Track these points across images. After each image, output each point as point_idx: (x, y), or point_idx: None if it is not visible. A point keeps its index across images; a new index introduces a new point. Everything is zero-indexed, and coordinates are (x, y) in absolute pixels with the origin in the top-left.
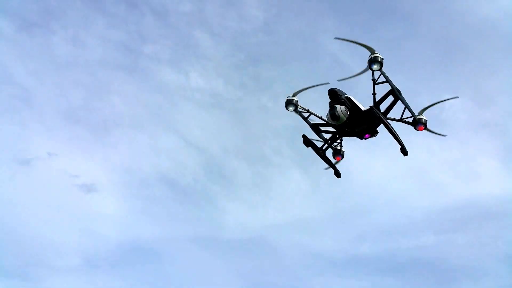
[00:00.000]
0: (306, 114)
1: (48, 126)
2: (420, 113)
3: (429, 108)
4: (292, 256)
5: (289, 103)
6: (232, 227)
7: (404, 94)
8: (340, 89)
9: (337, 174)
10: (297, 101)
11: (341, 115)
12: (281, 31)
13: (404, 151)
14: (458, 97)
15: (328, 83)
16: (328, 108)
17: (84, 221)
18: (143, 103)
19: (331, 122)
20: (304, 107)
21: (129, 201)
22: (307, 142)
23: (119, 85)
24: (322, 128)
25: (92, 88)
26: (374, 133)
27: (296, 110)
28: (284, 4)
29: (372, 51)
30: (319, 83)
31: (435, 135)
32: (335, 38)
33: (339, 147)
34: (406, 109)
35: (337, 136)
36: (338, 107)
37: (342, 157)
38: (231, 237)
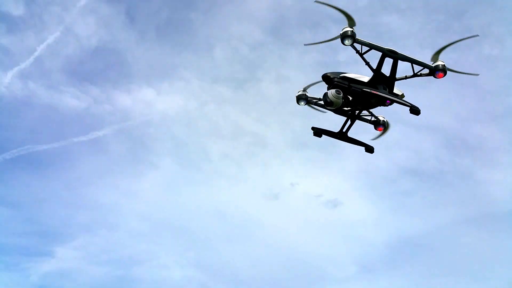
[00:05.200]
0: (320, 102)
1: (284, 160)
2: (435, 58)
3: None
4: None
5: (299, 98)
6: (502, 199)
7: None
8: (336, 70)
9: (369, 150)
10: (306, 94)
11: (333, 99)
12: None
13: (415, 111)
14: (478, 35)
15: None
16: None
17: (344, 232)
18: None
19: (328, 108)
20: (315, 96)
21: (376, 202)
22: (318, 132)
23: None
24: (346, 108)
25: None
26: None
27: (308, 103)
28: None
29: (350, 23)
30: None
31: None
32: (315, 1)
33: (374, 118)
34: (414, 64)
35: (357, 112)
36: (329, 92)
37: (384, 126)
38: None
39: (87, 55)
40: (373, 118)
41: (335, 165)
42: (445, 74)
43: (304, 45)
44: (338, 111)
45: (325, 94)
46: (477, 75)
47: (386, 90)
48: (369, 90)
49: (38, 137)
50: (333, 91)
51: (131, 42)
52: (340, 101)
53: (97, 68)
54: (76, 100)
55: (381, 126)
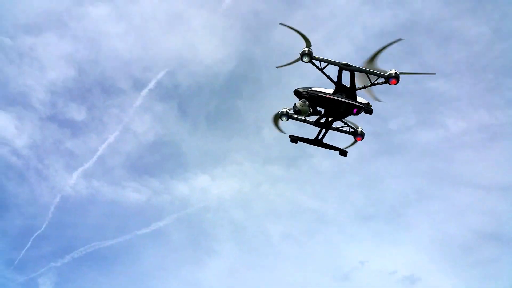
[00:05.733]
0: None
1: (348, 236)
2: (368, 65)
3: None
4: None
5: (281, 115)
6: None
7: None
8: (306, 86)
9: (343, 153)
10: (287, 111)
11: (300, 107)
12: None
13: (368, 111)
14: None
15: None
16: None
17: None
18: None
19: (299, 116)
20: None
21: (457, 274)
22: (294, 140)
23: None
24: (322, 120)
25: None
26: (359, 107)
27: (289, 118)
28: None
29: (307, 43)
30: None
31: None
32: (280, 24)
33: (351, 130)
34: (369, 74)
35: (330, 122)
36: (297, 102)
37: (362, 136)
38: None
39: (145, 149)
40: (350, 129)
41: (405, 236)
42: (397, 80)
43: (276, 67)
44: (317, 123)
45: (294, 105)
46: (434, 74)
47: (342, 96)
48: (324, 95)
49: (103, 233)
50: (299, 101)
51: (184, 133)
52: (307, 109)
53: (155, 161)
54: (137, 193)
55: (360, 136)
